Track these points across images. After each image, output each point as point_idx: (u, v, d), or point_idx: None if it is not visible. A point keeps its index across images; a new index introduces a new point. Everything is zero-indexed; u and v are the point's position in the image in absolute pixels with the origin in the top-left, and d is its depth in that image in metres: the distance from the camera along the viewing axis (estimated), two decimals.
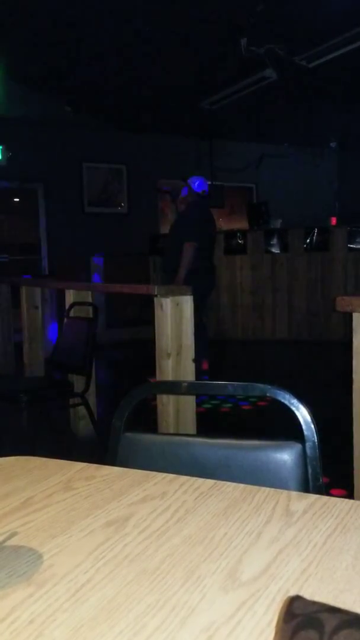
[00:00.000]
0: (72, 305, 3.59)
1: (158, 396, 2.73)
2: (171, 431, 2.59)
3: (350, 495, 2.08)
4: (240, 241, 7.64)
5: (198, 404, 2.97)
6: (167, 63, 6.15)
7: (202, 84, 6.72)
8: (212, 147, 9.18)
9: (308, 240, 7.33)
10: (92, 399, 3.56)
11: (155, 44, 5.68)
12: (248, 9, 4.84)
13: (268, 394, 1.11)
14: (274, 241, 7.48)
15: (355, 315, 1.89)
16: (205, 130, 8.65)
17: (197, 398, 3.11)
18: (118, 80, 6.71)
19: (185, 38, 5.56)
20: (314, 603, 0.43)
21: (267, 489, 0.87)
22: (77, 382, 3.45)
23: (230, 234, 7.82)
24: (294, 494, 0.86)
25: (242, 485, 0.88)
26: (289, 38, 5.40)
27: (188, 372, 2.73)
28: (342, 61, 5.66)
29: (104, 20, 5.18)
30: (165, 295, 2.70)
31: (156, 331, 2.75)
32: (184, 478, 0.91)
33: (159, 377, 2.75)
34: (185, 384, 1.46)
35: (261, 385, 1.13)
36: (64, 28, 5.35)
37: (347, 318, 1.97)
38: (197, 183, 4.91)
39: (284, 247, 7.41)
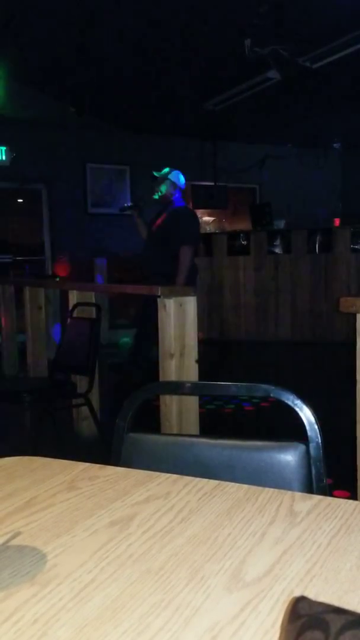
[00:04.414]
0: (75, 306, 3.60)
1: (161, 397, 2.72)
2: (174, 432, 2.58)
3: (353, 497, 2.08)
4: (243, 242, 7.64)
5: (200, 405, 2.97)
6: (171, 64, 6.15)
7: (206, 84, 6.72)
8: (215, 148, 9.18)
9: (311, 241, 7.32)
10: (95, 399, 3.56)
11: (159, 45, 5.68)
12: (252, 9, 4.84)
13: (272, 395, 1.11)
14: (277, 242, 7.48)
15: (358, 316, 1.89)
16: (209, 131, 8.65)
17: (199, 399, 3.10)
18: (122, 81, 6.72)
19: (189, 39, 5.56)
20: (319, 604, 0.43)
21: (271, 490, 0.87)
22: (80, 382, 3.45)
23: (233, 235, 7.82)
24: (298, 494, 0.86)
25: (245, 486, 0.88)
26: (292, 39, 5.40)
27: (191, 373, 2.73)
28: (346, 62, 5.65)
29: (108, 21, 5.18)
30: (169, 296, 2.69)
31: (159, 332, 2.75)
32: (187, 478, 0.91)
33: (162, 377, 2.74)
34: (189, 384, 1.46)
35: (265, 386, 1.13)
36: (68, 29, 5.36)
37: (351, 319, 1.97)
38: (181, 178, 4.77)
39: (287, 248, 7.41)
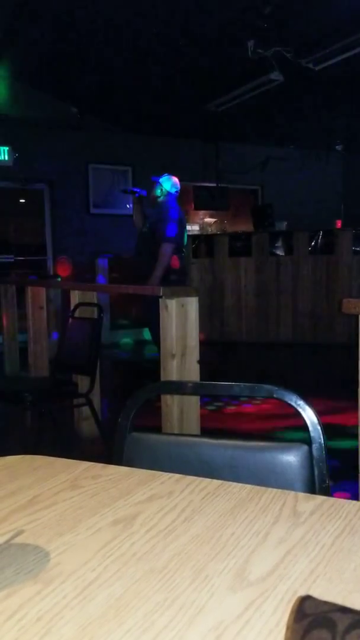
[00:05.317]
0: (77, 306, 3.59)
1: (162, 397, 2.72)
2: (175, 432, 2.58)
3: (355, 497, 2.07)
4: (244, 243, 7.64)
5: (201, 406, 2.97)
6: (173, 65, 6.16)
7: (209, 86, 6.73)
8: (218, 149, 9.18)
9: (313, 243, 7.32)
10: (96, 399, 3.56)
11: (162, 46, 5.69)
12: (255, 11, 4.84)
13: (275, 395, 1.11)
14: (279, 243, 7.48)
15: None
16: (211, 132, 8.66)
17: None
18: (124, 82, 6.72)
19: (192, 40, 5.56)
20: (325, 603, 0.43)
21: (274, 490, 0.87)
22: (82, 382, 3.45)
23: (235, 236, 7.82)
24: (301, 494, 0.86)
25: (248, 486, 0.88)
26: (295, 41, 5.40)
27: (193, 374, 2.73)
28: (349, 64, 5.66)
29: (111, 22, 5.19)
30: (171, 296, 2.69)
31: (161, 332, 2.75)
32: (190, 478, 0.91)
33: (163, 378, 2.74)
34: (191, 384, 1.46)
35: (268, 387, 1.12)
36: (71, 30, 5.37)
37: (352, 321, 1.97)
38: (171, 182, 4.84)
39: (289, 250, 7.41)
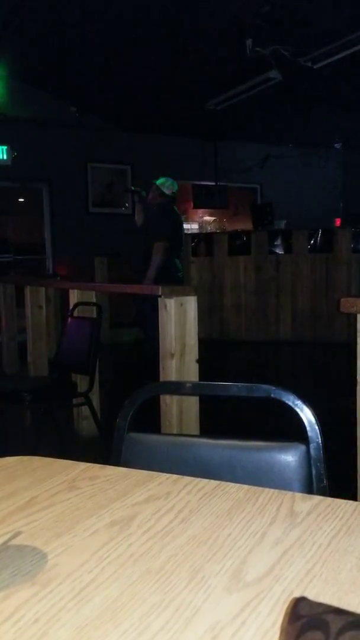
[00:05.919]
0: (76, 305, 3.60)
1: (161, 396, 2.72)
2: (174, 432, 2.58)
3: (353, 497, 2.08)
4: (244, 242, 7.63)
5: (200, 405, 2.96)
6: (172, 64, 6.16)
7: (207, 84, 6.72)
8: (216, 148, 9.18)
9: (312, 242, 7.32)
10: (95, 398, 3.56)
11: (161, 45, 5.68)
12: (254, 9, 4.84)
13: (272, 395, 1.11)
14: (278, 242, 7.48)
15: (359, 317, 1.89)
16: (210, 131, 8.65)
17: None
18: (123, 81, 6.71)
19: (190, 39, 5.56)
20: (319, 604, 0.43)
21: (272, 490, 0.87)
22: (81, 381, 3.45)
23: (234, 235, 7.82)
24: (298, 495, 0.86)
25: (246, 486, 0.88)
26: (294, 39, 5.40)
27: (192, 373, 2.73)
28: (347, 63, 5.65)
29: (110, 21, 5.18)
30: (170, 295, 2.69)
31: (160, 331, 2.75)
32: (187, 478, 0.91)
33: (162, 377, 2.74)
34: (190, 384, 1.46)
35: (265, 386, 1.13)
36: (70, 28, 5.36)
37: (351, 319, 1.97)
38: (167, 184, 4.89)
39: (288, 248, 7.40)
